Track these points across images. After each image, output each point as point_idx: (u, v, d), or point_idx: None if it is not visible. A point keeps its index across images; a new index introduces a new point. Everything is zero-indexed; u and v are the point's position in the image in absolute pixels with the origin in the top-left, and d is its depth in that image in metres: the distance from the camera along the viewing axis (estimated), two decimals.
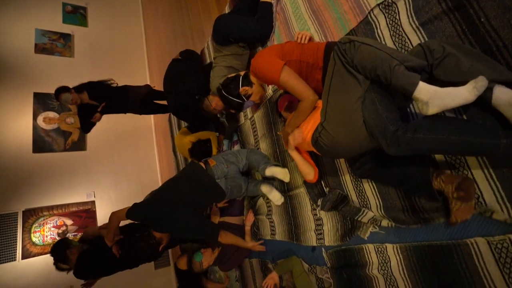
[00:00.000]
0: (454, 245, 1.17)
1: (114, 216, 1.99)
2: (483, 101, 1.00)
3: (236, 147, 2.67)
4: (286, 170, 2.03)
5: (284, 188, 2.14)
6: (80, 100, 2.97)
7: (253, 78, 1.68)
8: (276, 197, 2.11)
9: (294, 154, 1.69)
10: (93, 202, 4.59)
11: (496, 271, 1.06)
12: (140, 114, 3.45)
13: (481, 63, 1.00)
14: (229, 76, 1.76)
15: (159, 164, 5.30)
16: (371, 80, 1.11)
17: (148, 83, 5.55)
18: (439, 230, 1.23)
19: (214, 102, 2.32)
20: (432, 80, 1.13)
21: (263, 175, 2.10)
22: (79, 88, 2.96)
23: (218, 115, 2.97)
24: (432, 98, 0.99)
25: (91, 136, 4.85)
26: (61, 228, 4.29)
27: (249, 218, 2.40)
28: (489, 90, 0.98)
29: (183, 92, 2.61)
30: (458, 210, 1.05)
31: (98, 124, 3.39)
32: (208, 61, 3.13)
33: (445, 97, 0.98)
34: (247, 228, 2.40)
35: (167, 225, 1.90)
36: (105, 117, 3.26)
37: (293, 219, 2.08)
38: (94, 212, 4.54)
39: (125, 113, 3.37)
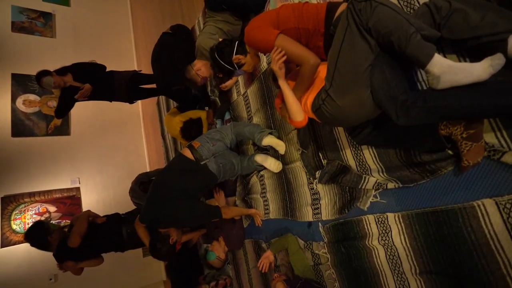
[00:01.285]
0: (459, 208, 1.13)
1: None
2: (495, 53, 0.95)
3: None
4: (283, 143, 1.96)
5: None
6: (64, 83, 2.77)
7: (248, 47, 1.58)
8: (272, 164, 2.04)
9: (285, 87, 1.38)
10: (78, 189, 4.41)
11: (504, 232, 1.02)
12: (130, 102, 3.24)
13: (493, 13, 0.94)
14: (225, 39, 1.66)
15: (147, 149, 5.14)
16: (382, 46, 1.05)
17: (135, 65, 5.35)
18: (444, 194, 1.19)
19: (196, 66, 2.16)
20: (441, 42, 1.08)
21: (260, 145, 2.02)
22: (62, 71, 2.73)
23: (209, 93, 2.86)
24: (445, 73, 0.95)
25: (75, 121, 4.64)
26: (44, 215, 4.10)
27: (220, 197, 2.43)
28: (503, 42, 0.93)
29: (170, 66, 2.47)
30: (470, 151, 1.01)
31: (83, 108, 3.20)
32: None
33: (458, 72, 0.93)
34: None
35: (172, 220, 1.99)
36: (91, 102, 3.08)
37: (288, 195, 2.01)
38: (79, 199, 4.37)
39: (110, 100, 3.15)
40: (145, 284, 4.48)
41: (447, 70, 0.95)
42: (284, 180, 2.04)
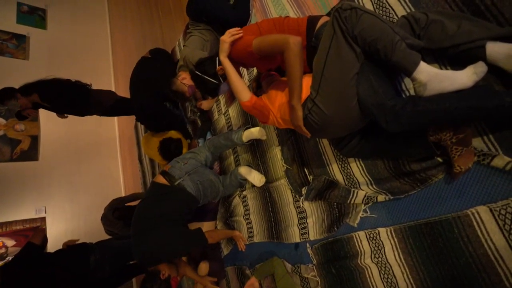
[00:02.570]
0: (453, 218, 1.08)
1: None
2: (476, 60, 0.97)
3: None
4: (260, 128, 1.88)
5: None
6: (31, 105, 2.58)
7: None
8: (256, 178, 1.95)
9: (227, 64, 1.31)
10: (43, 219, 4.03)
11: (501, 240, 0.98)
12: (101, 116, 3.09)
13: (468, 22, 0.97)
14: (204, 57, 1.61)
15: (122, 174, 4.87)
16: (367, 54, 1.05)
17: (113, 89, 5.22)
18: (437, 204, 1.14)
19: (181, 76, 2.07)
20: (422, 52, 1.10)
21: (242, 143, 1.92)
22: (26, 91, 2.51)
23: (189, 114, 2.78)
24: (431, 80, 0.96)
25: (45, 145, 4.36)
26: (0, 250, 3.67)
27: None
28: (481, 49, 0.95)
29: (148, 94, 2.40)
30: (461, 156, 1.00)
31: (54, 131, 2.98)
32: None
33: (444, 80, 0.95)
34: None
35: (157, 252, 1.71)
36: (64, 124, 2.90)
37: (273, 215, 1.91)
38: (44, 230, 3.97)
39: (83, 115, 2.99)
40: None
41: (433, 77, 0.96)
42: (268, 199, 1.94)
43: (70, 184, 4.35)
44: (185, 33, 2.69)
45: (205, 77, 1.49)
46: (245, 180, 2.01)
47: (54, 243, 3.70)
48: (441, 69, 1.11)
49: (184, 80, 2.04)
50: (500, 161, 0.98)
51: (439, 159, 1.12)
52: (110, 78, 5.40)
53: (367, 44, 1.01)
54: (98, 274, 2.13)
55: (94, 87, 2.95)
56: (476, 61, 0.96)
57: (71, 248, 2.20)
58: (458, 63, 1.06)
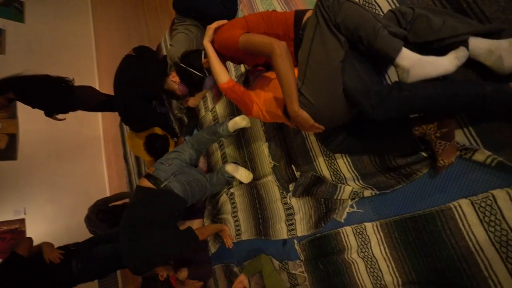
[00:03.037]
0: (437, 211, 1.11)
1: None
2: None
3: None
4: (243, 115, 1.87)
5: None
6: (8, 102, 2.44)
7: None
8: (243, 175, 1.93)
9: (209, 47, 1.32)
10: (22, 220, 3.87)
11: (481, 232, 1.01)
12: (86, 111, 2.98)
13: (452, 19, 1.00)
14: (190, 50, 1.58)
15: (107, 173, 4.75)
16: (351, 43, 1.06)
17: (97, 87, 5.07)
18: (421, 198, 1.17)
19: (172, 75, 2.06)
20: (408, 46, 1.11)
21: (228, 134, 1.91)
22: (1, 87, 2.34)
23: (176, 111, 2.73)
24: (414, 66, 0.97)
25: (24, 143, 4.19)
26: None
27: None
28: (464, 43, 0.97)
29: (132, 93, 2.35)
30: (444, 150, 1.02)
31: (34, 129, 2.84)
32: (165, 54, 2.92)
33: (427, 65, 0.96)
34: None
35: (152, 257, 1.67)
36: (45, 122, 2.76)
37: (260, 212, 1.90)
38: (23, 232, 3.83)
39: (66, 112, 2.86)
40: None
41: (416, 63, 0.97)
42: (255, 196, 1.93)
43: (52, 184, 4.20)
44: (171, 30, 2.63)
45: (190, 69, 1.47)
46: (232, 177, 1.99)
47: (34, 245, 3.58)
48: None
49: (174, 78, 2.00)
50: (481, 155, 1.00)
51: (424, 154, 1.14)
52: (94, 76, 5.25)
53: (349, 32, 1.01)
54: (81, 281, 2.06)
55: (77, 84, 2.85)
56: None
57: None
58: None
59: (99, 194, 4.31)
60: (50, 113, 2.69)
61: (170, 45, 2.17)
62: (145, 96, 2.43)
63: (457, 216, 1.06)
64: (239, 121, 1.85)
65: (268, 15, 1.32)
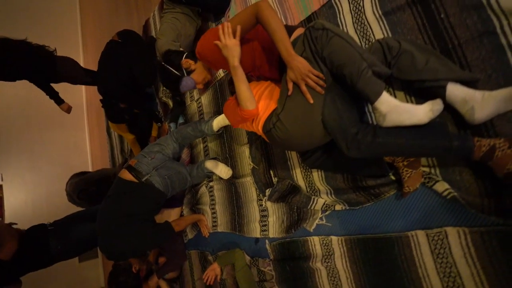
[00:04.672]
0: (396, 238, 1.20)
1: None
2: (436, 97, 1.02)
3: None
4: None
5: (231, 176, 2.01)
6: None
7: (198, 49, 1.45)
8: (223, 171, 1.98)
9: (238, 69, 1.15)
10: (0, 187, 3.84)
11: (430, 262, 1.11)
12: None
13: (435, 60, 1.01)
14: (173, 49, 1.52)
15: (89, 144, 4.68)
16: (335, 76, 1.07)
17: (81, 61, 4.80)
18: (385, 221, 1.25)
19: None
20: (391, 79, 1.13)
21: (212, 133, 1.94)
22: None
23: (161, 94, 2.68)
24: (391, 112, 1.00)
25: (2, 108, 4.02)
26: None
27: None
28: (442, 88, 1.00)
29: (115, 81, 2.29)
30: (410, 178, 1.09)
31: (12, 93, 2.70)
32: (154, 33, 2.80)
33: (403, 113, 0.99)
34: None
35: (129, 251, 1.75)
36: (23, 87, 2.63)
37: (237, 209, 1.97)
38: (1, 199, 3.81)
39: (45, 86, 2.70)
40: None
41: (393, 109, 1.00)
42: (233, 193, 1.99)
43: (31, 152, 4.12)
44: (161, 6, 2.50)
45: (169, 67, 1.43)
46: (212, 173, 2.03)
47: (13, 213, 3.60)
48: (406, 97, 1.16)
49: None
50: (440, 186, 1.08)
51: (392, 177, 1.20)
52: (78, 47, 4.94)
53: (334, 67, 1.03)
54: (61, 259, 2.10)
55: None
56: (436, 98, 1.02)
57: (28, 236, 2.05)
58: (421, 96, 1.11)
59: (81, 165, 4.30)
60: (57, 100, 2.62)
61: (158, 37, 2.08)
62: (128, 86, 2.38)
63: (412, 245, 1.15)
64: (223, 120, 1.85)
65: (255, 28, 1.28)
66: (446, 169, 1.07)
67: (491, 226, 0.98)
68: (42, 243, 1.96)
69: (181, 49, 2.02)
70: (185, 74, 1.42)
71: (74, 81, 2.77)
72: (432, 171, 1.10)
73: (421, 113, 0.97)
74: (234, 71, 1.15)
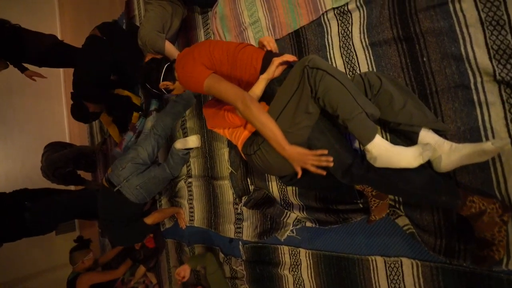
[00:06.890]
0: (358, 259, 1.29)
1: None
2: (410, 140, 1.07)
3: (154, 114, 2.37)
4: (197, 135, 2.07)
5: (209, 176, 2.04)
6: None
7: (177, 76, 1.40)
8: (192, 140, 2.04)
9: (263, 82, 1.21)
10: None
11: (385, 285, 1.23)
12: (39, 66, 2.57)
13: (412, 104, 1.03)
14: (152, 59, 1.44)
15: (67, 118, 4.49)
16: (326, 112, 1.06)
17: (58, 33, 4.43)
18: (350, 242, 1.34)
19: (146, 59, 1.95)
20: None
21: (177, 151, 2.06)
22: None
23: None
24: (382, 155, 1.02)
25: None
26: None
27: None
28: (415, 134, 1.05)
29: (92, 86, 2.22)
30: (377, 207, 1.16)
31: None
32: (137, 13, 2.62)
33: (393, 157, 1.01)
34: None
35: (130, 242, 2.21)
36: None
37: (214, 208, 2.02)
38: None
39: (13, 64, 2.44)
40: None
41: (384, 153, 1.02)
42: (211, 193, 2.03)
43: (2, 121, 3.91)
44: None
45: (150, 87, 1.41)
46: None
47: None
48: (381, 133, 1.18)
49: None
50: (402, 221, 1.17)
51: (361, 205, 1.27)
52: (55, 18, 4.52)
53: (328, 106, 1.01)
54: (38, 229, 2.13)
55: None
56: (411, 140, 1.06)
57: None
58: (396, 135, 1.15)
59: (57, 138, 4.14)
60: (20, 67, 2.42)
61: (142, 25, 1.95)
62: (106, 85, 2.40)
63: (371, 268, 1.26)
64: (191, 142, 2.01)
65: (235, 55, 1.26)
66: (409, 206, 1.14)
67: (439, 263, 1.08)
68: (16, 213, 2.00)
69: (166, 39, 1.93)
70: (166, 93, 1.41)
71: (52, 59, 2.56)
72: (397, 205, 1.17)
73: (411, 157, 0.98)
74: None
